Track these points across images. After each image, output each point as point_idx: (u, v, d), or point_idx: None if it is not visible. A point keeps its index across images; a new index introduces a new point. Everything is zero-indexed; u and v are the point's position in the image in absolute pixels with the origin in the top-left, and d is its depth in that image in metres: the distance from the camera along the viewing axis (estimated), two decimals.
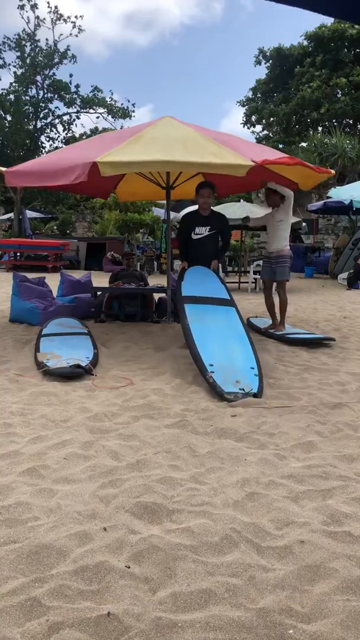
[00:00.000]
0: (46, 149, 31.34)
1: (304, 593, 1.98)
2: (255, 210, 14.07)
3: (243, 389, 4.34)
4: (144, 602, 1.90)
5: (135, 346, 6.23)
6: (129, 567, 2.09)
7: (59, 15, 29.64)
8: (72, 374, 4.83)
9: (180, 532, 2.33)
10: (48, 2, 44.61)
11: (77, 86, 30.89)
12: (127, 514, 2.47)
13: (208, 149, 5.94)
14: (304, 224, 21.25)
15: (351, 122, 28.53)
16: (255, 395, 4.29)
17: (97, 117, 32.76)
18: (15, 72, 29.76)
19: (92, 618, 1.80)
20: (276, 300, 7.15)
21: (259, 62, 31.64)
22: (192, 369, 4.91)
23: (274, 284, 7.24)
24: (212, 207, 6.75)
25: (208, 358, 4.75)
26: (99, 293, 8.27)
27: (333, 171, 6.77)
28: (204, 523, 2.39)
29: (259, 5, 68.49)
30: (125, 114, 31.65)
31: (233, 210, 14.07)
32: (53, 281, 9.47)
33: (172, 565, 2.10)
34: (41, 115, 31.00)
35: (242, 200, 17.29)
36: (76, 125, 56.68)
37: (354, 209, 14.83)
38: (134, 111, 31.68)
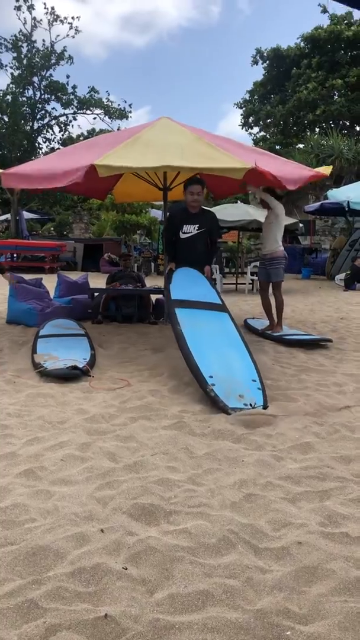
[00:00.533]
0: (43, 150, 31.36)
1: (301, 594, 1.98)
2: (252, 212, 14.10)
3: (250, 404, 4.01)
4: (141, 603, 1.90)
5: (132, 347, 6.22)
6: (126, 569, 2.08)
7: (55, 17, 29.67)
8: (69, 376, 4.83)
9: (178, 533, 2.33)
10: (44, 3, 44.62)
11: (74, 87, 30.92)
12: (124, 515, 2.47)
13: (206, 154, 5.94)
14: (300, 225, 21.28)
15: (347, 123, 28.61)
16: (263, 409, 4.02)
17: (94, 118, 32.78)
18: (12, 73, 29.79)
19: (89, 620, 1.80)
20: (273, 301, 7.16)
21: (256, 62, 31.72)
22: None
23: (270, 285, 7.25)
24: (203, 207, 6.40)
25: (207, 369, 4.36)
26: (96, 294, 8.27)
27: (326, 172, 6.71)
28: (201, 524, 2.39)
29: (256, 9, 68.62)
30: (122, 114, 31.69)
31: (230, 211, 14.10)
32: (50, 282, 9.46)
33: (170, 567, 2.09)
34: (38, 116, 31.04)
35: (239, 202, 17.31)
36: (73, 126, 56.66)
37: (348, 209, 14.86)
38: (130, 112, 31.78)
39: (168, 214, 7.16)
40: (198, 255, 5.97)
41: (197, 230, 5.98)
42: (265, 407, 4.04)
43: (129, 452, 3.23)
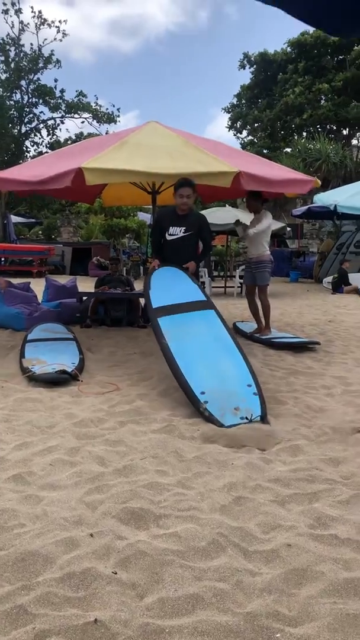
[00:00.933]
0: (31, 154, 31.27)
1: (291, 596, 1.99)
2: (241, 216, 14.15)
3: (246, 417, 3.81)
4: (131, 608, 1.90)
5: (121, 351, 6.21)
6: (115, 573, 2.08)
7: (42, 20, 29.60)
8: (58, 380, 4.81)
9: (167, 537, 2.33)
10: (32, 7, 44.56)
11: (62, 91, 30.87)
12: (113, 519, 2.47)
13: (193, 156, 5.96)
14: (288, 228, 21.41)
15: (334, 127, 28.81)
16: (262, 419, 3.82)
17: (82, 122, 32.76)
18: None
19: (79, 625, 1.79)
20: (259, 304, 7.19)
21: (243, 67, 31.88)
22: None
23: (257, 289, 7.28)
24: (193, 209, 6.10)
25: (198, 385, 4.12)
26: (84, 298, 8.25)
27: (316, 180, 6.77)
28: (191, 528, 2.39)
29: (244, 14, 69.04)
30: (110, 119, 31.66)
31: (219, 215, 14.14)
32: (38, 286, 9.43)
33: (159, 571, 2.09)
34: (26, 120, 30.94)
35: (227, 206, 17.37)
36: (60, 130, 56.55)
37: (339, 214, 14.97)
38: (119, 116, 31.72)
39: (156, 214, 7.04)
40: (184, 258, 5.73)
41: (183, 232, 5.76)
42: (263, 415, 3.86)
43: (118, 456, 3.22)
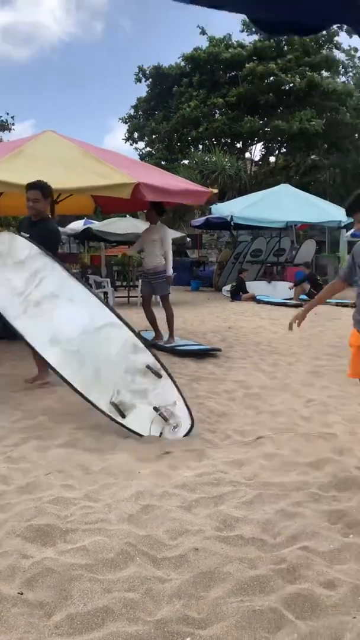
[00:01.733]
0: None
1: (199, 599, 2.02)
2: (140, 226, 14.25)
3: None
4: (38, 628, 1.84)
5: (23, 364, 6.01)
6: (21, 594, 2.01)
7: None
8: None
9: (75, 551, 2.29)
10: None
11: None
12: (18, 538, 2.39)
13: (92, 167, 5.95)
14: (188, 239, 21.83)
15: (229, 140, 29.76)
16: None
17: None
18: None
19: None
20: (163, 314, 7.28)
21: (139, 80, 32.14)
22: None
23: (153, 298, 7.34)
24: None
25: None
26: None
27: (213, 190, 7.00)
28: (99, 540, 2.36)
29: (139, 29, 69.77)
30: (3, 127, 30.76)
31: (120, 225, 14.17)
32: None
33: (68, 587, 2.05)
34: None
35: (127, 216, 17.43)
36: None
37: (231, 223, 15.48)
38: (13, 124, 30.90)
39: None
40: None
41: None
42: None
43: (21, 473, 3.12)
